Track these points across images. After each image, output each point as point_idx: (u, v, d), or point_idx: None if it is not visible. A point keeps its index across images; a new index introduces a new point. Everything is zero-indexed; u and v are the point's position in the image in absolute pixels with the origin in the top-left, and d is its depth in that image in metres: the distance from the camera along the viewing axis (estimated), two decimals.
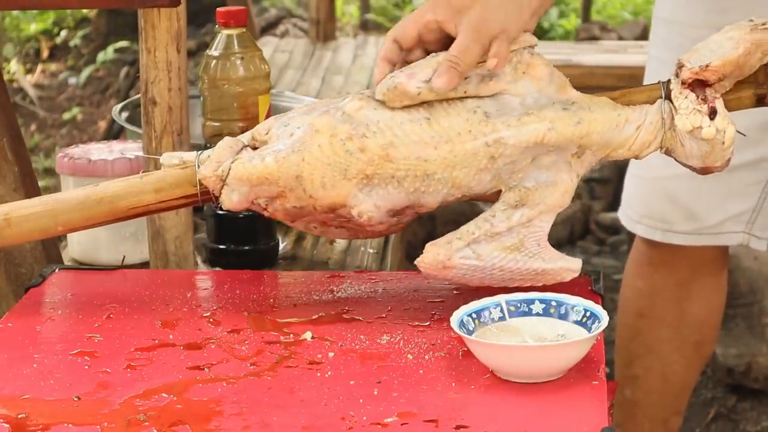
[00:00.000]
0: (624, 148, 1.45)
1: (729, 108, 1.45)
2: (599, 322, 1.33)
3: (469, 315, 1.36)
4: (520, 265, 1.44)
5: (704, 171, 1.47)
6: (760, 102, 1.47)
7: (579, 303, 1.37)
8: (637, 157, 1.47)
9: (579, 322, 1.36)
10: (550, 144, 1.42)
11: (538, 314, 1.38)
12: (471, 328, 1.35)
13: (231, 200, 1.47)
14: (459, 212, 3.27)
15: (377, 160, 1.42)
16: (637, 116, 1.44)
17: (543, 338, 1.36)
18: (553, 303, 1.38)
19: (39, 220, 1.51)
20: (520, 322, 1.38)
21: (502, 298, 1.39)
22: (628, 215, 2.11)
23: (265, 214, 1.48)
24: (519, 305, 1.39)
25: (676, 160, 1.47)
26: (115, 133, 4.86)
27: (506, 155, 1.42)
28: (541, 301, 1.39)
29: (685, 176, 2.01)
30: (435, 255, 1.44)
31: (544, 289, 1.44)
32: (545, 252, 1.45)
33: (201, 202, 1.50)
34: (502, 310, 1.38)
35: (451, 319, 1.34)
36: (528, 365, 1.29)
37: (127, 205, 1.51)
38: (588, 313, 1.36)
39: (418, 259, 1.45)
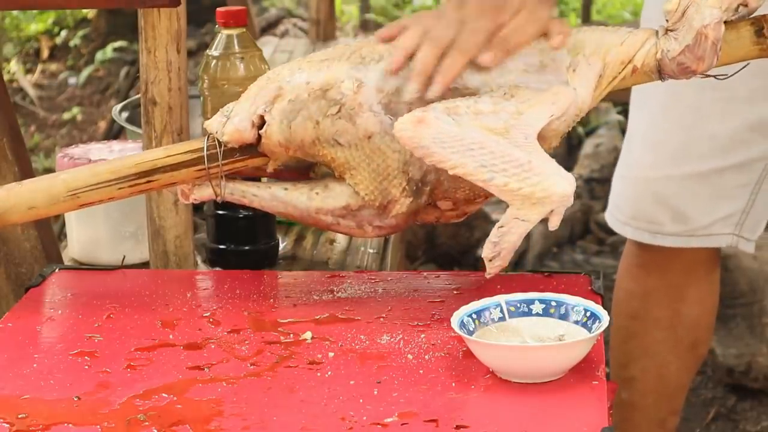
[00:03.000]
0: (616, 45, 1.44)
1: (729, 46, 1.44)
2: (600, 322, 1.33)
3: (470, 315, 1.36)
4: (503, 149, 1.38)
5: (697, 44, 1.41)
6: (758, 33, 1.45)
7: (579, 303, 1.37)
8: (632, 62, 1.44)
9: (579, 322, 1.36)
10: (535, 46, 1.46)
11: (538, 314, 1.38)
12: (471, 329, 1.35)
13: (233, 124, 1.49)
14: None
15: (374, 43, 1.48)
16: (628, 27, 1.47)
17: (543, 338, 1.36)
18: (553, 303, 1.38)
19: (45, 180, 1.55)
20: (520, 323, 1.38)
21: (502, 298, 1.39)
22: (615, 217, 2.11)
23: (262, 140, 1.50)
24: (519, 305, 1.39)
25: (672, 64, 1.43)
26: (115, 133, 4.86)
27: None
28: (541, 301, 1.39)
29: (675, 178, 2.02)
30: (411, 113, 1.41)
31: (543, 289, 1.43)
32: (533, 147, 1.40)
33: (206, 161, 1.51)
34: (502, 311, 1.38)
35: (452, 319, 1.34)
36: (528, 365, 1.29)
37: (133, 161, 1.53)
38: (588, 313, 1.36)
39: (395, 123, 1.42)
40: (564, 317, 1.37)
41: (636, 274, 2.14)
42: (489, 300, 1.38)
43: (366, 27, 5.98)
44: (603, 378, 1.30)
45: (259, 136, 1.50)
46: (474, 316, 1.36)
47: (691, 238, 2.04)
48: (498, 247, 1.43)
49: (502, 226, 1.41)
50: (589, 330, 1.34)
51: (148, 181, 1.53)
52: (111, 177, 1.53)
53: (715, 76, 1.47)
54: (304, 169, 1.56)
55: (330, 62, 1.48)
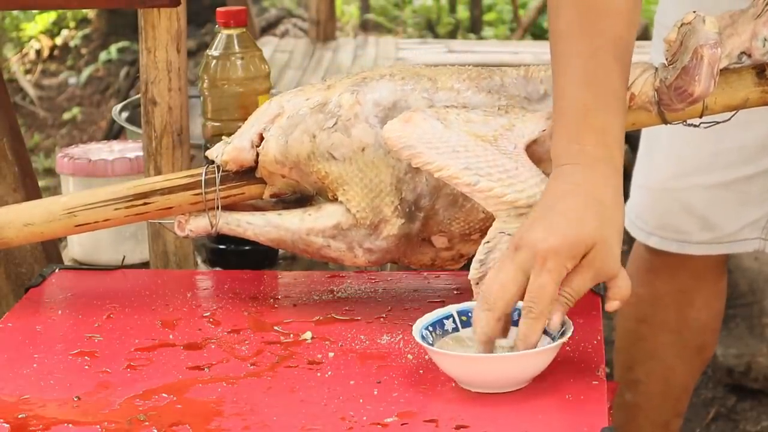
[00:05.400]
0: None
1: (731, 86, 1.45)
2: (564, 331, 1.29)
3: (427, 328, 1.32)
4: (489, 155, 1.36)
5: (692, 64, 1.38)
6: (760, 75, 1.45)
7: None
8: (630, 89, 1.42)
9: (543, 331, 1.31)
10: (538, 76, 1.46)
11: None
12: (430, 341, 1.31)
13: (234, 146, 1.51)
14: None
15: (377, 68, 1.50)
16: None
17: (501, 348, 1.31)
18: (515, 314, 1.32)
19: (44, 200, 1.57)
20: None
21: (453, 308, 1.35)
22: (638, 227, 2.10)
23: (260, 158, 1.50)
24: (471, 315, 1.33)
25: (670, 91, 1.41)
26: (115, 133, 4.86)
27: (496, 76, 1.46)
28: None
29: (703, 187, 2.01)
30: (400, 115, 1.42)
31: None
32: (521, 156, 1.38)
33: (204, 186, 1.52)
34: (454, 321, 1.35)
35: (413, 329, 1.31)
36: (489, 376, 1.27)
37: (132, 184, 1.54)
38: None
39: (384, 126, 1.41)
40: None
41: (645, 279, 2.14)
42: (441, 311, 1.35)
43: (366, 27, 5.98)
44: (603, 378, 1.30)
45: (258, 156, 1.51)
46: (430, 328, 1.33)
47: (719, 245, 2.04)
48: (484, 267, 1.38)
49: (488, 242, 1.38)
50: (553, 339, 1.30)
51: (145, 203, 1.53)
52: (108, 197, 1.53)
53: (719, 122, 1.47)
54: (301, 203, 1.55)
55: (332, 84, 1.50)
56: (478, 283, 1.38)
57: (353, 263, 1.50)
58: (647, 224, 2.08)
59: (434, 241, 1.50)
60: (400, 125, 1.39)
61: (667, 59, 1.43)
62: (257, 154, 1.51)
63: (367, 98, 1.46)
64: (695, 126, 1.47)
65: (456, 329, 1.35)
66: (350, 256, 1.49)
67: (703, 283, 2.12)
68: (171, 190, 1.53)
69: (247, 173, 1.53)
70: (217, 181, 1.52)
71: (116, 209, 1.53)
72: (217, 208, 1.52)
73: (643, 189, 2.10)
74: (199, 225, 1.53)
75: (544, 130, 1.40)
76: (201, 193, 1.52)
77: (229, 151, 1.51)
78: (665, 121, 1.45)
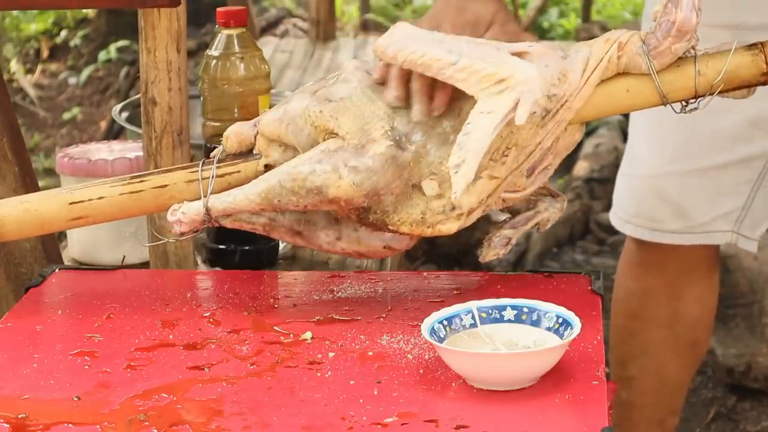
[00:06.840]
0: (601, 37, 1.45)
1: (719, 49, 1.45)
2: (572, 328, 1.31)
3: (440, 322, 1.34)
4: (474, 44, 1.41)
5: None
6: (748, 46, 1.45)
7: (551, 309, 1.35)
8: (618, 40, 1.43)
9: (551, 329, 1.33)
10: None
11: (510, 321, 1.36)
12: (442, 336, 1.33)
13: (238, 123, 1.53)
14: None
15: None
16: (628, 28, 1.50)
17: (515, 345, 1.33)
18: (525, 309, 1.36)
19: (48, 194, 1.57)
20: (491, 329, 1.35)
21: (473, 304, 1.37)
22: (617, 215, 2.11)
23: (260, 122, 1.51)
24: (490, 312, 1.36)
25: (657, 31, 1.42)
26: (115, 133, 4.86)
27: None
28: (513, 307, 1.36)
29: (677, 174, 2.02)
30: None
31: (544, 289, 1.43)
32: (502, 48, 1.42)
33: (201, 172, 1.52)
34: (473, 317, 1.36)
35: (422, 326, 1.32)
36: (499, 373, 1.27)
37: (132, 175, 1.55)
38: (560, 320, 1.33)
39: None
40: (536, 324, 1.35)
41: (635, 273, 2.14)
42: (460, 306, 1.36)
43: (366, 27, 5.98)
44: (603, 378, 1.30)
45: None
46: (445, 322, 1.35)
47: (690, 235, 2.04)
48: (464, 151, 1.36)
49: (468, 123, 1.37)
50: (561, 336, 1.32)
51: (141, 181, 1.53)
52: (105, 183, 1.54)
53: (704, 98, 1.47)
54: None
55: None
56: (457, 172, 1.37)
57: (337, 190, 1.44)
58: (624, 212, 2.09)
59: (425, 187, 1.46)
60: (388, 33, 1.44)
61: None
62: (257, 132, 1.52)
63: (369, 64, 1.49)
64: (694, 102, 1.46)
65: (474, 325, 1.36)
66: (334, 179, 1.44)
67: (692, 277, 2.12)
68: (168, 171, 1.54)
69: (245, 154, 1.53)
70: (215, 162, 1.52)
71: (112, 186, 1.53)
72: (211, 184, 1.51)
73: (624, 177, 2.11)
74: (191, 207, 1.52)
75: (530, 45, 1.42)
76: (197, 170, 1.51)
77: (232, 127, 1.53)
78: (660, 89, 1.45)
